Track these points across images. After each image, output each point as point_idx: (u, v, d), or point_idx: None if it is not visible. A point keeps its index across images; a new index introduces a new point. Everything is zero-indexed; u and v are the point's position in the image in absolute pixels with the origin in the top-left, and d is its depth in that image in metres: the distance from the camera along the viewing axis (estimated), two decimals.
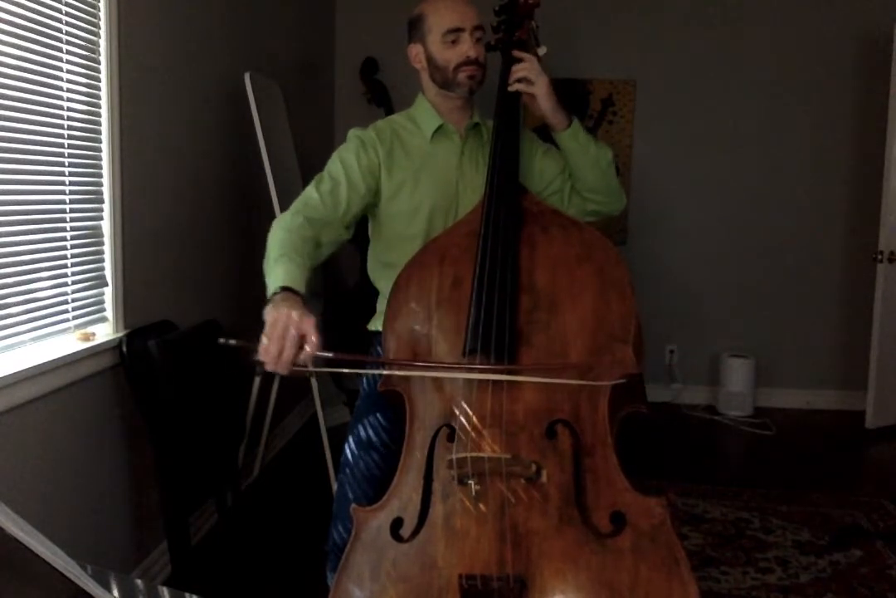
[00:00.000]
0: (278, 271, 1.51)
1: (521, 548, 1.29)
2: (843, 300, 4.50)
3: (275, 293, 1.45)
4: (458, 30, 1.75)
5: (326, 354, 1.40)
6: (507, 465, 1.34)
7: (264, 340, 1.36)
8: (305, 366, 1.39)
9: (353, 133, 1.84)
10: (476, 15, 1.78)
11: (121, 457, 2.28)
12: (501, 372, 1.44)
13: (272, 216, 2.83)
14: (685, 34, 4.40)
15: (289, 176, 3.20)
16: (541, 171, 1.89)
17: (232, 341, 1.41)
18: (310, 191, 1.74)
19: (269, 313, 1.39)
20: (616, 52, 4.45)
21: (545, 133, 1.90)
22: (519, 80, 1.76)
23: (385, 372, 1.56)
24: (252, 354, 1.38)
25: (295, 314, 1.37)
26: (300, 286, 1.49)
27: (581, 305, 1.51)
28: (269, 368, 1.37)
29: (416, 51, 1.83)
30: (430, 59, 1.80)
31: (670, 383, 4.60)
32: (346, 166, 1.78)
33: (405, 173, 1.81)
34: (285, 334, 1.35)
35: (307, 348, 1.37)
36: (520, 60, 1.77)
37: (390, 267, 1.75)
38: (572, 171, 1.84)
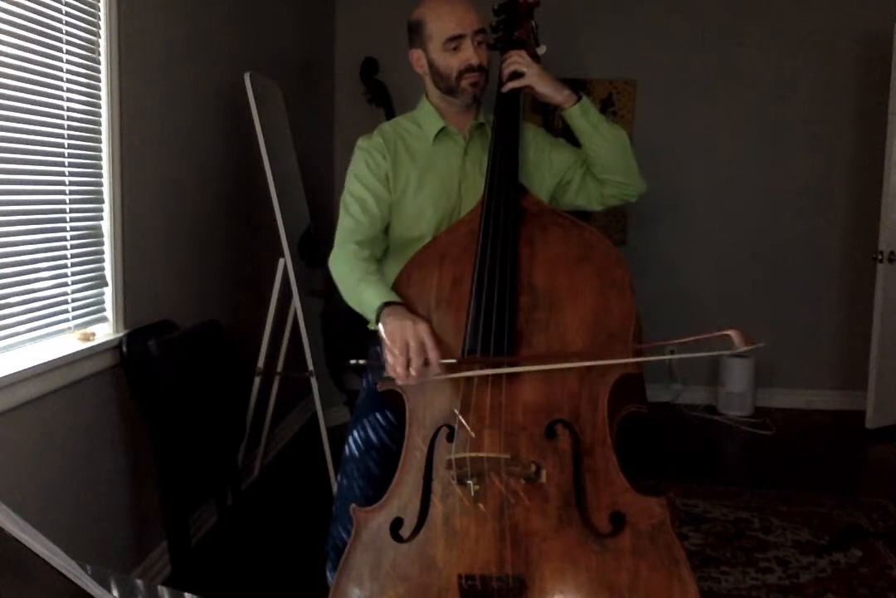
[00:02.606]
0: (368, 293, 1.58)
1: (520, 548, 1.29)
2: (843, 300, 4.50)
3: (379, 312, 1.51)
4: (460, 37, 1.73)
5: (450, 360, 1.45)
6: (507, 465, 1.35)
7: (389, 357, 1.42)
8: (430, 375, 1.44)
9: (359, 145, 1.85)
10: (476, 18, 1.76)
11: (121, 457, 2.28)
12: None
13: (272, 216, 2.86)
14: (685, 34, 4.40)
15: (289, 176, 3.20)
16: (551, 164, 1.88)
17: (361, 362, 1.50)
18: (344, 219, 1.78)
19: (385, 331, 1.45)
20: (616, 52, 4.45)
21: (549, 131, 1.90)
22: (511, 78, 1.76)
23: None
24: (381, 372, 1.46)
25: (408, 324, 1.43)
26: (394, 296, 1.55)
27: (581, 304, 1.51)
28: (400, 382, 1.44)
29: (417, 56, 1.82)
30: (432, 66, 1.79)
31: (670, 383, 4.60)
32: (363, 181, 1.80)
33: (409, 176, 1.81)
34: (406, 346, 1.41)
35: (430, 355, 1.42)
36: (506, 59, 1.78)
37: (392, 268, 1.76)
38: (587, 151, 1.82)
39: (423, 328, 1.43)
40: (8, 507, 0.67)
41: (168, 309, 2.51)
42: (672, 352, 4.60)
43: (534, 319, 1.51)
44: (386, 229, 1.86)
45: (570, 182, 1.88)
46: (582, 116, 1.77)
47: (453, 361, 1.46)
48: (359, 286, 1.60)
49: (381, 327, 1.47)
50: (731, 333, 1.35)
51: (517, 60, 1.76)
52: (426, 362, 1.43)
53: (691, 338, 1.43)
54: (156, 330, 2.33)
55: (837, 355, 4.53)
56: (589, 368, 1.45)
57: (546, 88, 1.76)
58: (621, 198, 1.88)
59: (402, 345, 1.41)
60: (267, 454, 3.41)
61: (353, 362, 1.50)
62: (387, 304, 1.52)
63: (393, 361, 1.42)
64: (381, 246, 1.80)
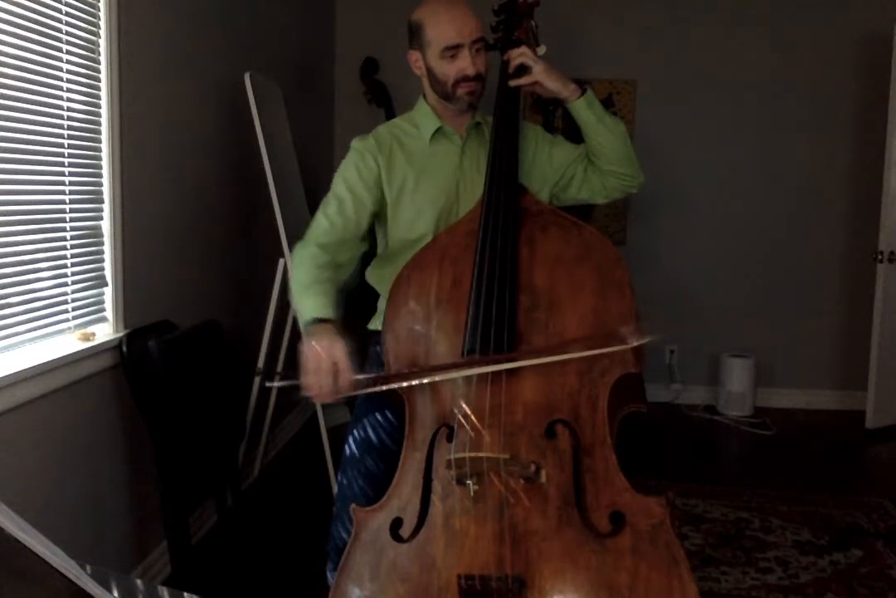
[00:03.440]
0: (307, 303, 1.60)
1: (520, 548, 1.29)
2: (843, 300, 4.50)
3: (307, 326, 1.54)
4: (457, 46, 1.72)
5: (360, 376, 1.49)
6: (506, 465, 1.35)
7: (303, 376, 1.45)
8: (346, 392, 1.47)
9: (352, 145, 1.85)
10: (476, 26, 1.74)
11: (121, 457, 2.28)
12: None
13: (272, 216, 2.86)
14: (685, 34, 4.40)
15: (289, 176, 3.20)
16: (552, 161, 1.89)
17: (277, 383, 1.54)
18: (318, 217, 1.79)
19: (303, 350, 1.47)
20: (616, 52, 4.45)
21: (548, 130, 1.90)
22: (518, 72, 1.76)
23: (415, 382, 1.54)
24: (299, 391, 1.48)
25: (322, 345, 1.45)
26: (327, 313, 1.57)
27: (580, 304, 1.51)
28: (316, 401, 1.49)
29: (415, 57, 1.81)
30: (429, 71, 1.79)
31: (670, 383, 4.60)
32: (348, 183, 1.80)
33: (406, 177, 1.81)
34: (319, 367, 1.44)
35: (340, 377, 1.45)
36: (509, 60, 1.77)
37: (392, 268, 1.75)
38: (592, 144, 1.82)
39: (338, 348, 1.46)
40: (8, 507, 0.67)
41: (168, 309, 2.51)
42: (672, 352, 4.62)
43: (533, 318, 1.51)
44: (372, 232, 1.87)
45: (573, 177, 1.89)
46: (588, 108, 1.78)
47: (363, 376, 1.50)
48: (303, 293, 1.62)
49: (304, 341, 1.50)
50: (623, 330, 1.40)
51: (524, 52, 1.76)
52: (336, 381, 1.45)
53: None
54: (156, 330, 2.33)
55: (837, 355, 4.53)
56: (589, 367, 1.45)
57: (554, 84, 1.76)
58: (623, 189, 1.89)
59: (314, 365, 1.44)
60: (267, 454, 3.41)
61: (268, 383, 1.58)
62: (318, 320, 1.54)
63: (307, 380, 1.45)
64: (349, 251, 1.79)
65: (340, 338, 1.49)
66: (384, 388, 1.53)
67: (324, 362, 1.44)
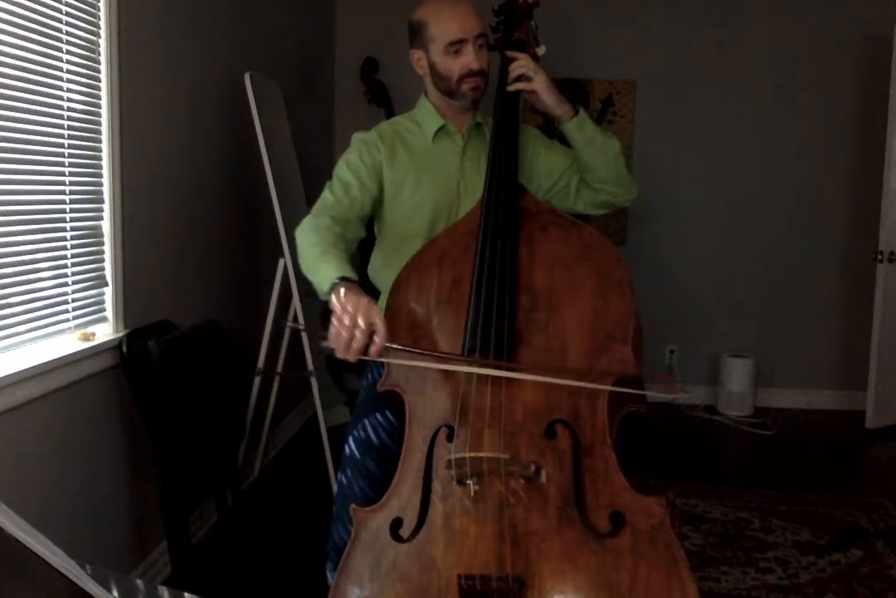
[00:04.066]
0: (328, 265, 1.52)
1: (520, 548, 1.29)
2: (843, 300, 4.50)
3: (334, 284, 1.45)
4: (461, 41, 1.74)
5: (395, 345, 1.42)
6: (507, 465, 1.35)
7: (334, 327, 1.38)
8: (373, 356, 1.40)
9: (355, 136, 1.86)
10: (478, 22, 1.76)
11: (121, 457, 2.28)
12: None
13: (272, 216, 2.86)
14: (685, 34, 4.40)
15: (289, 176, 3.20)
16: (546, 167, 1.89)
17: (301, 326, 1.44)
18: (325, 195, 1.77)
19: (337, 301, 1.40)
20: (616, 52, 4.45)
21: (548, 131, 1.90)
22: (518, 79, 1.76)
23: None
24: (320, 339, 1.40)
25: (363, 302, 1.39)
26: (353, 274, 1.50)
27: (580, 304, 1.51)
28: (338, 355, 1.40)
29: (417, 56, 1.82)
30: (432, 68, 1.80)
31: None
32: (352, 168, 1.79)
33: (407, 173, 1.81)
34: (355, 323, 1.37)
35: (376, 338, 1.38)
36: (514, 60, 1.77)
37: (391, 267, 1.75)
38: (581, 162, 1.83)
39: (377, 311, 1.40)
40: (8, 507, 0.67)
41: (168, 309, 2.51)
42: (672, 352, 4.62)
43: (533, 318, 1.51)
44: (371, 224, 1.87)
45: (567, 186, 1.89)
46: (579, 129, 1.79)
47: (399, 346, 1.43)
48: (322, 256, 1.55)
49: (332, 297, 1.42)
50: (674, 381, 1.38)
51: (526, 65, 1.76)
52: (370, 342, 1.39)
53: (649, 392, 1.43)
54: (156, 330, 2.33)
55: (837, 355, 4.53)
56: (588, 368, 1.46)
57: (550, 99, 1.76)
58: (614, 204, 1.92)
59: (351, 320, 1.37)
60: (267, 454, 3.41)
61: (291, 324, 1.48)
62: (345, 279, 1.47)
63: (336, 332, 1.38)
64: (353, 232, 1.75)
65: (375, 302, 1.43)
66: (411, 363, 1.48)
67: (360, 318, 1.37)
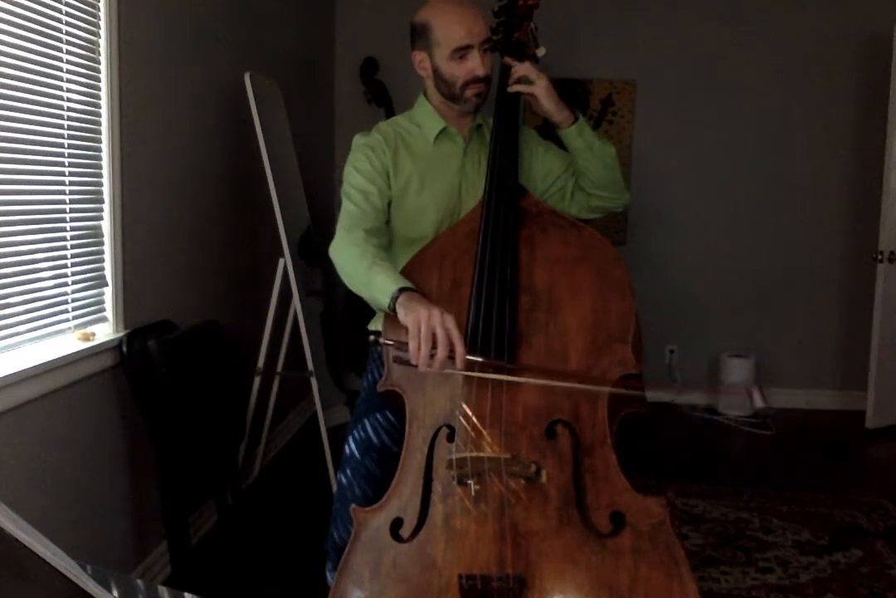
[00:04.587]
0: (382, 277, 1.51)
1: (520, 548, 1.29)
2: (843, 300, 4.50)
3: (395, 297, 1.45)
4: (467, 47, 1.72)
5: (475, 358, 1.41)
6: (507, 465, 1.35)
7: (413, 342, 1.37)
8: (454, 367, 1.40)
9: (358, 141, 1.84)
10: (484, 26, 1.74)
11: (121, 457, 2.28)
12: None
13: (272, 216, 2.86)
14: (685, 34, 4.40)
15: (289, 176, 3.20)
16: (543, 169, 1.89)
17: (389, 341, 1.44)
18: (348, 208, 1.75)
19: (409, 314, 1.39)
20: (616, 52, 4.45)
21: (546, 132, 1.90)
22: (518, 81, 1.76)
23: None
24: (402, 354, 1.41)
25: (437, 312, 1.38)
26: (412, 284, 1.50)
27: (580, 305, 1.51)
28: (421, 369, 1.39)
29: (420, 58, 1.80)
30: (436, 72, 1.78)
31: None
32: (364, 175, 1.77)
33: (411, 176, 1.81)
34: (433, 335, 1.37)
35: (458, 349, 1.38)
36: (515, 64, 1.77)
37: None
38: (578, 167, 1.83)
39: (450, 319, 1.38)
40: (8, 507, 0.67)
41: (168, 309, 2.51)
42: (672, 352, 4.62)
43: (533, 319, 1.51)
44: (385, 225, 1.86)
45: (563, 189, 1.90)
46: (578, 136, 1.79)
47: (479, 359, 1.42)
48: (371, 270, 1.54)
49: (401, 310, 1.41)
50: (752, 391, 1.36)
51: (528, 68, 1.76)
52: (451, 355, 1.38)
53: (711, 389, 1.43)
54: (156, 330, 2.34)
55: (837, 355, 4.53)
56: (588, 367, 1.46)
57: (550, 104, 1.76)
58: (607, 209, 1.92)
59: (427, 333, 1.36)
60: (267, 454, 3.41)
61: (372, 338, 1.45)
62: (405, 289, 1.46)
63: (415, 348, 1.37)
64: (385, 238, 1.77)
65: (447, 310, 1.41)
66: (492, 377, 1.44)
67: (439, 329, 1.36)
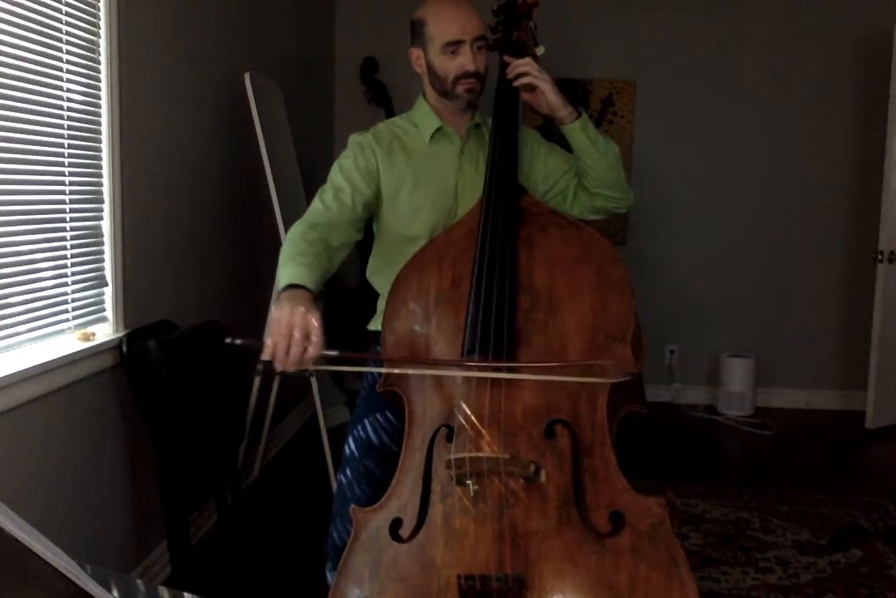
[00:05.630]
0: (284, 272, 1.52)
1: (520, 548, 1.29)
2: (843, 300, 4.50)
3: (280, 293, 1.45)
4: (459, 42, 1.73)
5: (331, 352, 1.40)
6: (506, 465, 1.35)
7: (268, 339, 1.36)
8: (309, 365, 1.38)
9: (352, 139, 1.85)
10: (478, 24, 1.75)
11: (121, 457, 2.28)
12: (501, 370, 1.45)
13: (272, 216, 2.86)
14: (685, 34, 4.40)
15: (288, 176, 3.20)
16: (545, 170, 1.89)
17: (238, 341, 1.41)
18: (314, 202, 1.77)
19: (274, 312, 1.39)
20: (616, 52, 4.45)
21: (548, 133, 1.90)
22: (521, 75, 1.75)
23: (385, 370, 1.55)
24: (258, 353, 1.38)
25: (298, 311, 1.37)
26: (306, 281, 1.48)
27: (579, 305, 1.51)
28: (276, 367, 1.38)
29: (417, 54, 1.82)
30: (429, 67, 1.80)
31: (670, 383, 4.60)
32: (345, 172, 1.79)
33: (404, 175, 1.81)
34: (290, 333, 1.35)
35: (310, 347, 1.36)
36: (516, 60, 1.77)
37: (390, 268, 1.75)
38: (581, 165, 1.83)
39: (312, 319, 1.37)
40: (8, 507, 0.67)
41: (168, 309, 2.51)
42: (672, 352, 4.62)
43: (533, 319, 1.51)
44: (369, 225, 1.87)
45: (565, 190, 1.89)
46: (582, 131, 1.78)
47: (334, 353, 1.41)
48: (285, 262, 1.55)
49: (272, 308, 1.42)
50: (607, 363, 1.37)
51: (530, 62, 1.76)
52: (305, 351, 1.37)
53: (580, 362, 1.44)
54: (156, 330, 2.33)
55: (837, 355, 4.53)
56: (588, 368, 1.46)
57: (554, 98, 1.75)
58: (611, 210, 1.91)
59: (285, 330, 1.35)
60: (267, 454, 3.41)
61: (228, 340, 1.44)
62: (291, 286, 1.46)
63: (272, 344, 1.36)
64: (342, 235, 1.73)
65: (316, 308, 1.41)
66: (348, 368, 1.48)
67: (296, 328, 1.35)
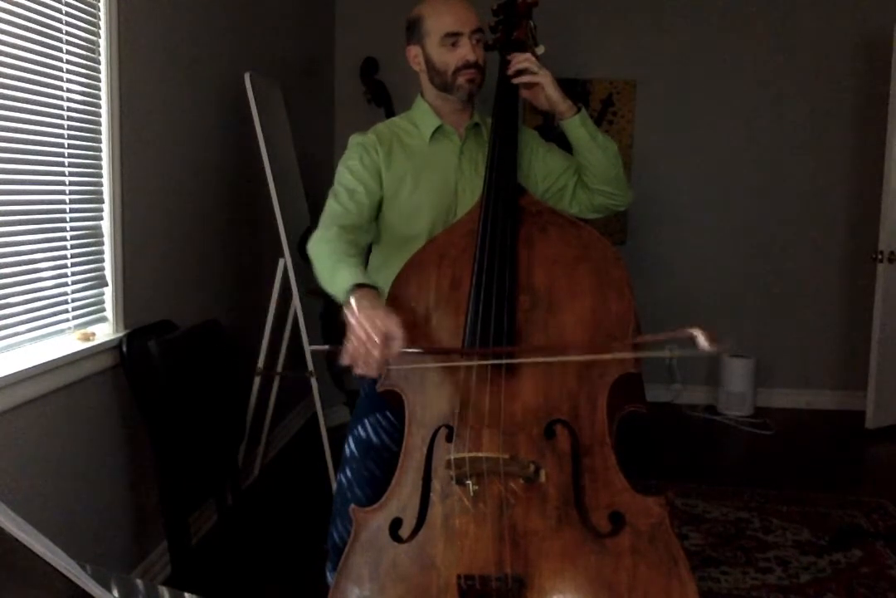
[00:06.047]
0: (343, 274, 1.50)
1: (519, 548, 1.29)
2: (843, 300, 4.50)
3: (349, 293, 1.43)
4: (457, 34, 1.75)
5: (414, 349, 1.39)
6: (506, 465, 1.35)
7: (349, 344, 1.35)
8: (395, 364, 1.37)
9: (353, 140, 1.86)
10: (475, 18, 1.77)
11: (121, 457, 2.28)
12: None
13: (272, 216, 2.86)
14: (685, 34, 4.40)
15: (289, 176, 3.20)
16: (544, 169, 1.89)
17: (320, 347, 1.40)
18: (330, 205, 1.76)
19: (350, 315, 1.37)
20: (616, 52, 4.45)
21: (546, 133, 1.90)
22: (521, 72, 1.76)
23: (464, 363, 1.48)
24: (339, 359, 1.36)
25: (375, 313, 1.36)
26: (371, 280, 1.48)
27: (579, 304, 1.51)
28: (358, 372, 1.35)
29: (414, 52, 1.82)
30: (428, 62, 1.80)
31: (670, 383, 4.59)
32: (354, 173, 1.79)
33: (404, 174, 1.81)
34: (369, 336, 1.33)
35: (393, 347, 1.34)
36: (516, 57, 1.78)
37: (390, 268, 1.75)
38: (582, 161, 1.83)
39: (391, 319, 1.35)
40: (8, 507, 0.67)
41: (168, 309, 2.51)
42: (671, 351, 4.61)
43: (533, 318, 1.51)
44: (376, 222, 1.86)
45: (564, 188, 1.89)
46: (582, 126, 1.79)
47: (418, 350, 1.40)
48: (337, 265, 1.54)
49: (346, 310, 1.39)
50: (696, 332, 1.33)
51: (529, 58, 1.77)
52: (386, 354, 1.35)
53: (653, 337, 1.41)
54: (156, 330, 2.34)
55: (837, 355, 4.53)
56: (588, 367, 1.46)
57: (554, 92, 1.76)
58: (611, 207, 1.91)
59: (364, 334, 1.33)
60: (267, 454, 3.41)
61: (313, 347, 1.43)
62: (360, 285, 1.45)
63: (353, 349, 1.34)
64: (365, 237, 1.77)
65: (393, 311, 1.38)
66: (431, 366, 1.45)
67: (376, 329, 1.33)
